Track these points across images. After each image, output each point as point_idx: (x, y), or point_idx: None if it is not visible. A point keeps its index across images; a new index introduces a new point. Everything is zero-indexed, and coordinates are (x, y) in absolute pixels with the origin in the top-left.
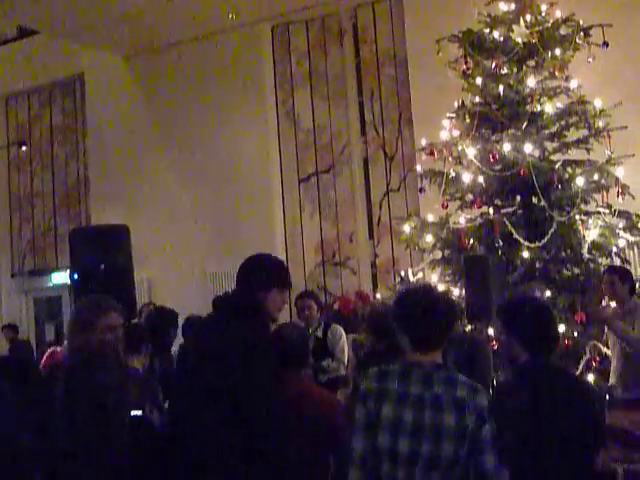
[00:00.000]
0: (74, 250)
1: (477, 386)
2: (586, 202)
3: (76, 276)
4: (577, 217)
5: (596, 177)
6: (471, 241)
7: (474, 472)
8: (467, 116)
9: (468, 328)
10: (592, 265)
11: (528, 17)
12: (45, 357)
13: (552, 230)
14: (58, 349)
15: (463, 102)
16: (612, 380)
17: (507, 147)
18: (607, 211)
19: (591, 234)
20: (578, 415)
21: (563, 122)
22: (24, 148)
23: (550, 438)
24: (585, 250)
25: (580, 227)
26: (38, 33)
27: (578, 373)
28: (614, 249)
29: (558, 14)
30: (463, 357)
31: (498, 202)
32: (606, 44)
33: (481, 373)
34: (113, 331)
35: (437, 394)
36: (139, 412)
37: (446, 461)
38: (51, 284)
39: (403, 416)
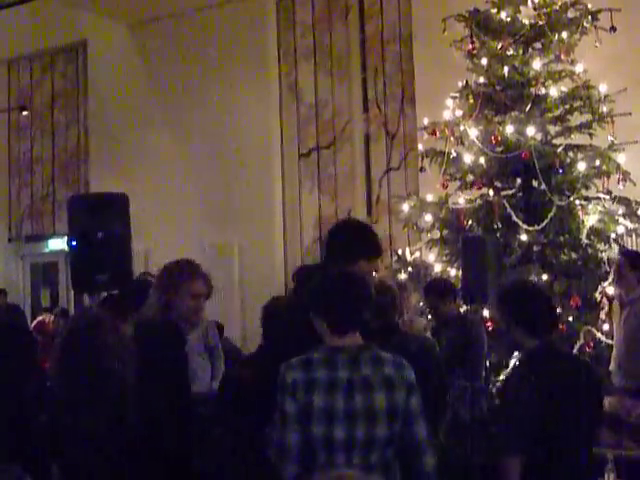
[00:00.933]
0: (72, 217)
1: (402, 361)
2: (587, 187)
3: (74, 242)
4: (577, 202)
5: (597, 162)
6: (470, 222)
7: (408, 445)
8: (470, 96)
9: (463, 309)
10: (590, 250)
11: None
12: (33, 324)
13: (551, 214)
14: (47, 318)
15: (467, 82)
16: (612, 367)
17: (510, 129)
18: (607, 197)
19: (590, 219)
20: (590, 398)
21: (567, 106)
22: (25, 113)
23: (567, 422)
24: (584, 235)
25: (579, 212)
26: None
27: None
28: (613, 235)
29: None
30: (457, 336)
31: (498, 184)
32: (614, 29)
33: (474, 353)
34: (196, 299)
35: (365, 376)
36: None
37: (382, 441)
38: (48, 250)
39: (335, 403)
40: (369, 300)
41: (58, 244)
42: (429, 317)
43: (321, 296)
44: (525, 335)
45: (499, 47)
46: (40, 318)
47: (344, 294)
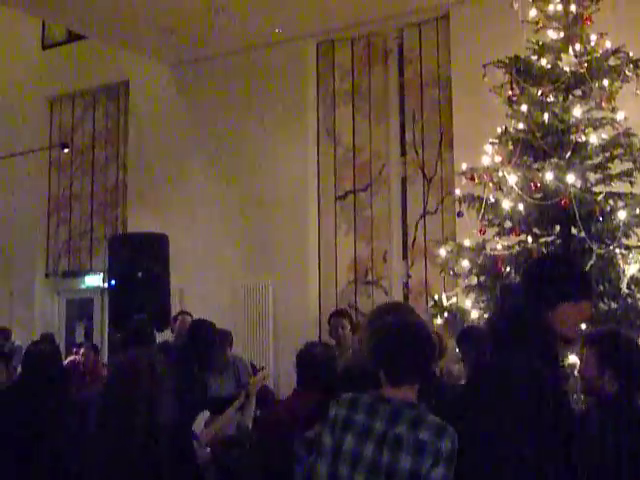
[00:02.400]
0: (112, 256)
1: (444, 426)
2: (627, 236)
3: (113, 282)
4: (617, 251)
5: (638, 211)
6: (507, 269)
7: None
8: (510, 142)
9: None
10: (630, 300)
11: (577, 46)
12: (65, 363)
13: (591, 262)
14: (77, 358)
15: (506, 128)
16: None
17: (549, 176)
18: None
19: (631, 269)
20: None
21: (607, 154)
22: (66, 150)
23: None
24: (624, 285)
25: (620, 261)
26: (86, 38)
27: None
28: None
29: (608, 44)
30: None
31: (537, 231)
32: None
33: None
34: None
35: (399, 434)
36: None
37: None
38: (84, 286)
39: (364, 450)
40: (431, 354)
41: (94, 280)
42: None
43: (380, 345)
44: (613, 381)
45: (539, 93)
46: (71, 358)
47: (403, 345)
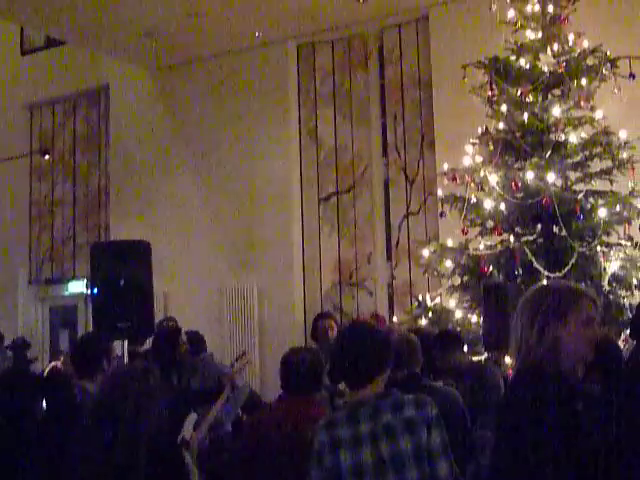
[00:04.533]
0: (95, 264)
1: (424, 399)
2: (608, 234)
3: (96, 290)
4: (598, 248)
5: (618, 209)
6: (490, 268)
7: None
8: (490, 143)
9: (481, 357)
10: (612, 297)
11: (555, 46)
12: (47, 370)
13: (572, 260)
14: (58, 364)
15: (487, 128)
16: None
17: (530, 175)
18: (629, 244)
19: (612, 266)
20: None
21: (587, 152)
22: (47, 157)
23: None
24: (605, 282)
25: (601, 258)
26: (65, 43)
27: None
28: (635, 282)
29: (585, 44)
30: (474, 385)
31: (519, 230)
32: (633, 76)
33: (492, 401)
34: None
35: (387, 423)
36: None
37: None
38: (67, 293)
39: (362, 458)
40: (376, 352)
41: (78, 287)
42: None
43: (334, 356)
44: None
45: (519, 94)
46: (52, 364)
47: (346, 350)
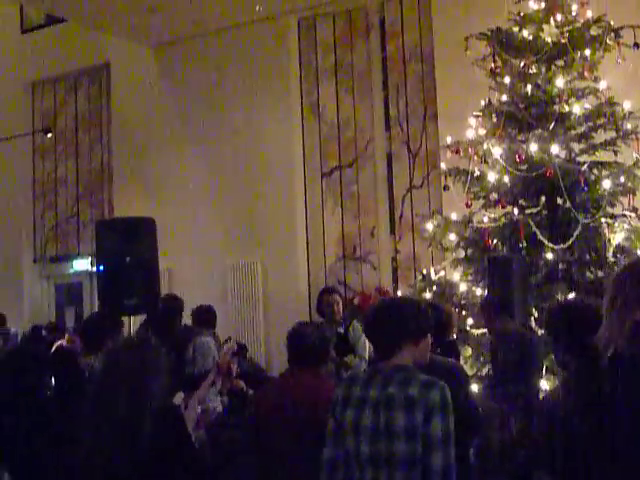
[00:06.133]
0: (100, 241)
1: (432, 382)
2: (612, 205)
3: (102, 267)
4: (602, 220)
5: (622, 180)
6: (494, 241)
7: (424, 472)
8: (493, 115)
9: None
10: (616, 268)
11: (558, 16)
12: (54, 348)
13: (577, 232)
14: (64, 343)
15: (490, 101)
16: None
17: (533, 147)
18: (633, 214)
19: (616, 237)
20: None
21: (591, 123)
22: (49, 135)
23: None
24: (610, 253)
25: (605, 230)
26: (66, 21)
27: None
28: (639, 253)
29: (589, 14)
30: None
31: (523, 202)
32: (637, 45)
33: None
34: None
35: (390, 394)
36: None
37: (403, 460)
38: (72, 270)
39: (362, 419)
40: (396, 324)
41: (82, 265)
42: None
43: (365, 324)
44: None
45: (522, 65)
46: (58, 343)
47: (376, 323)
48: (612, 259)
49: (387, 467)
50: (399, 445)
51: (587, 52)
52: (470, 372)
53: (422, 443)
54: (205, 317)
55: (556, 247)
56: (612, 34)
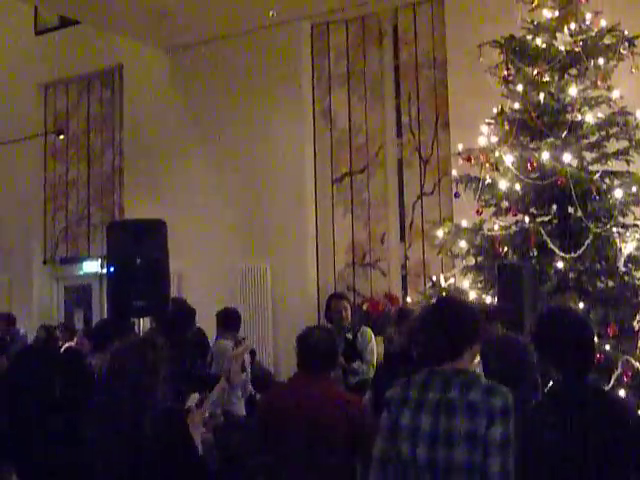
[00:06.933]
0: (111, 243)
1: (494, 387)
2: (624, 214)
3: (112, 269)
4: (614, 229)
5: (634, 189)
6: (505, 249)
7: (482, 477)
8: (505, 123)
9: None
10: (627, 278)
11: (572, 25)
12: (63, 349)
13: (588, 241)
14: (73, 345)
15: (502, 108)
16: None
17: (545, 155)
18: None
19: (628, 247)
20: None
21: (603, 132)
22: (61, 137)
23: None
24: (621, 263)
25: (617, 240)
26: (79, 23)
27: (609, 388)
28: None
29: (603, 23)
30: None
31: (534, 211)
32: None
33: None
34: None
35: (451, 398)
36: None
37: (462, 467)
38: (82, 272)
39: (421, 423)
40: (469, 330)
41: (92, 266)
42: None
43: (421, 326)
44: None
45: (535, 73)
46: (67, 345)
47: (439, 325)
48: (623, 269)
49: (446, 474)
50: (459, 452)
51: (600, 61)
52: None
53: (483, 450)
54: (230, 320)
55: (567, 256)
56: (626, 43)
